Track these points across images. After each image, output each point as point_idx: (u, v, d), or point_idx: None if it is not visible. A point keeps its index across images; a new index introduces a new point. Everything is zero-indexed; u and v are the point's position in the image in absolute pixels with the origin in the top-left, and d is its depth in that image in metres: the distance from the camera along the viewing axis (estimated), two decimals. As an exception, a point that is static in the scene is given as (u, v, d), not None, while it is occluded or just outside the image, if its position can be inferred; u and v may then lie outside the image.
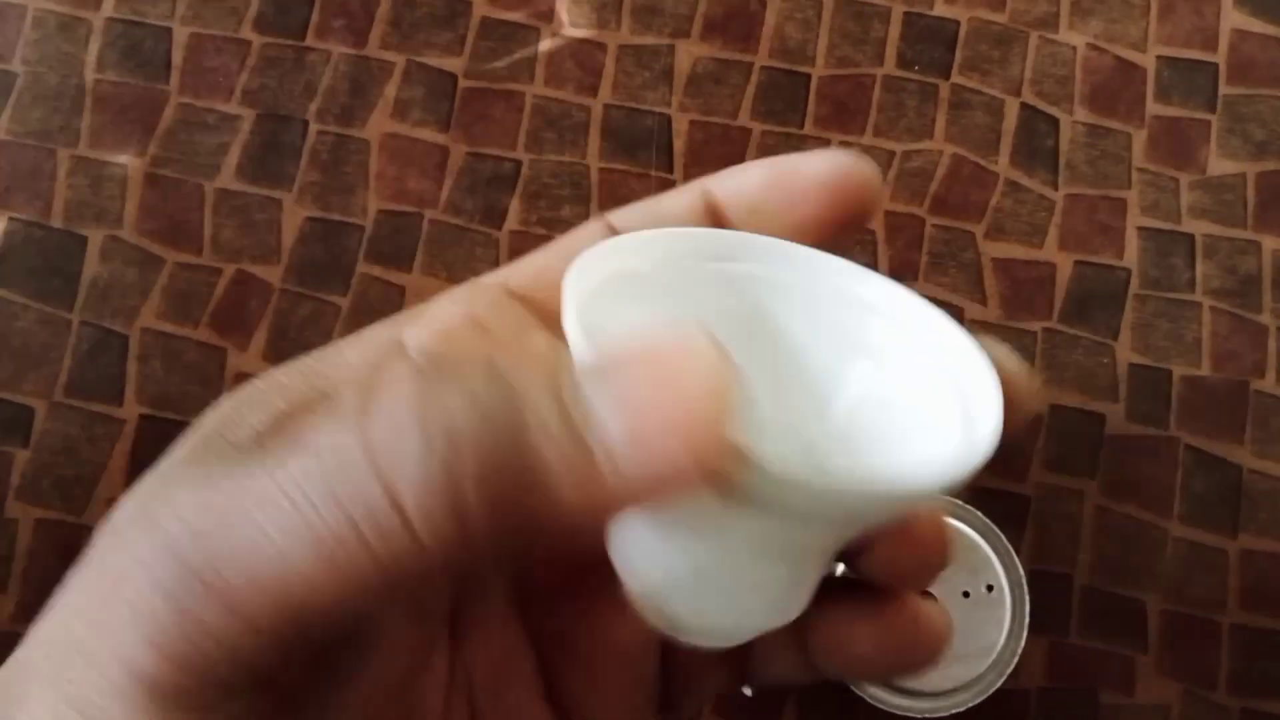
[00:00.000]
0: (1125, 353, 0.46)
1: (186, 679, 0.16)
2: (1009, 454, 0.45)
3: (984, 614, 0.43)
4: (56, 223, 0.45)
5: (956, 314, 0.46)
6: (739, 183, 0.25)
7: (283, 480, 0.16)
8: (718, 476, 0.15)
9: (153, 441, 0.44)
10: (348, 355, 0.21)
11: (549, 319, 0.21)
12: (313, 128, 0.47)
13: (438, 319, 0.21)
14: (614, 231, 0.24)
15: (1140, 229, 0.47)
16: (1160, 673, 0.44)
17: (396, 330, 0.21)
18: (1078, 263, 0.47)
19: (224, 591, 0.16)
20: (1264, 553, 0.45)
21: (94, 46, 0.47)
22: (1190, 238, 0.47)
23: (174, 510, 0.17)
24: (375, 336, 0.21)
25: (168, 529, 0.17)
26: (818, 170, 0.24)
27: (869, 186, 0.23)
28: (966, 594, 0.43)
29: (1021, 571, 0.43)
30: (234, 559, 0.16)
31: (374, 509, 0.15)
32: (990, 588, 0.43)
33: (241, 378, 0.44)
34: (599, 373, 0.15)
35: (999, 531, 0.43)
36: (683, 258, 0.23)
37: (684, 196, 0.25)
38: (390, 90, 0.47)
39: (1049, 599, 0.44)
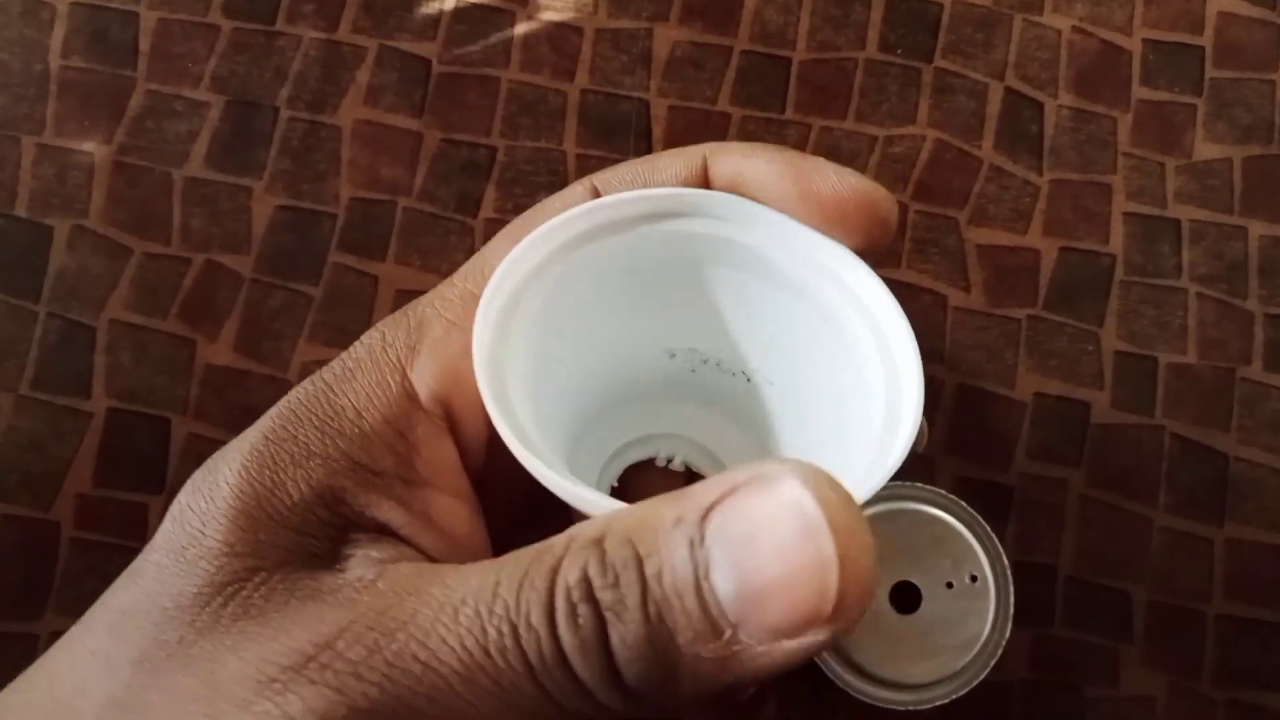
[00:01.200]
0: (1110, 340, 0.46)
1: None
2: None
3: (968, 605, 0.42)
4: (21, 212, 0.44)
5: (940, 301, 0.45)
6: (752, 166, 0.25)
7: None
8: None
9: (121, 435, 0.43)
10: None
11: None
12: (283, 114, 0.46)
13: None
14: (597, 193, 0.25)
15: (1126, 214, 0.47)
16: (1145, 664, 0.43)
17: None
18: (1062, 249, 0.46)
19: None
20: (1250, 542, 0.44)
21: (59, 31, 0.46)
22: (1176, 223, 0.47)
23: None
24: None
25: None
26: (842, 187, 0.24)
27: (890, 220, 0.23)
28: (950, 585, 0.42)
29: (1006, 562, 0.42)
30: None
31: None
32: (974, 578, 0.42)
33: (211, 370, 0.44)
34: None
35: (983, 521, 0.42)
36: (634, 221, 0.24)
37: (680, 161, 0.25)
38: (362, 76, 0.46)
39: (1033, 590, 0.43)
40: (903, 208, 0.46)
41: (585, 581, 0.16)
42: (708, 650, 0.16)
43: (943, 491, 0.43)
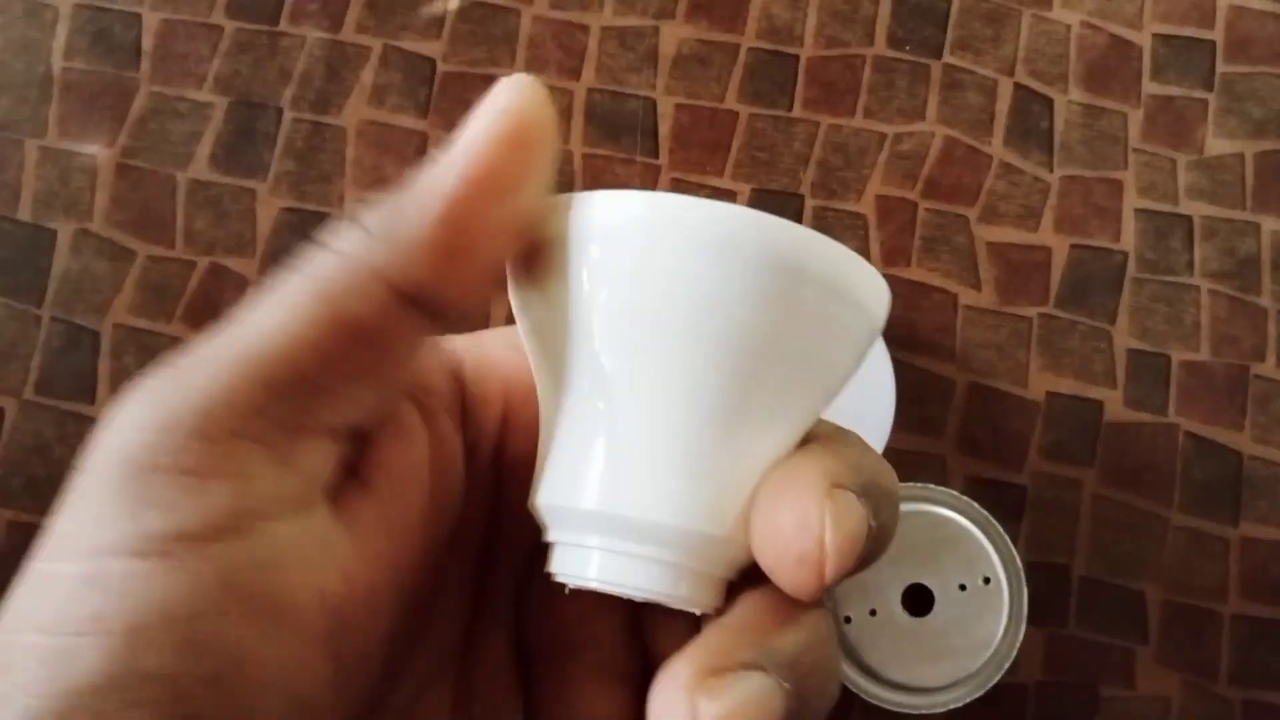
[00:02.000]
0: (1123, 338, 0.45)
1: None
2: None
3: (981, 606, 0.42)
4: (25, 215, 0.44)
5: (950, 299, 0.45)
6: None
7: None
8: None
9: (126, 439, 0.43)
10: None
11: None
12: (287, 115, 0.45)
13: None
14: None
15: (1137, 211, 0.46)
16: (1161, 664, 0.43)
17: None
18: (1073, 246, 0.46)
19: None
20: (1265, 541, 0.44)
21: (61, 32, 0.45)
22: (1188, 219, 0.46)
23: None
24: None
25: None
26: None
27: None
28: (963, 586, 0.42)
29: (1019, 563, 0.42)
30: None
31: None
32: (987, 580, 0.42)
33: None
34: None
35: (996, 522, 0.42)
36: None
37: None
38: (367, 75, 0.46)
39: (1047, 590, 0.43)
40: (911, 205, 0.46)
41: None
42: None
43: (954, 492, 0.42)
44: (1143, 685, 0.43)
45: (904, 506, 0.42)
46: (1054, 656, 0.43)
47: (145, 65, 0.45)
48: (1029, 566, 0.42)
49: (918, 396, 0.44)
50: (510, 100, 0.19)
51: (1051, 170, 0.46)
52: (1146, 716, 0.43)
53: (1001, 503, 0.43)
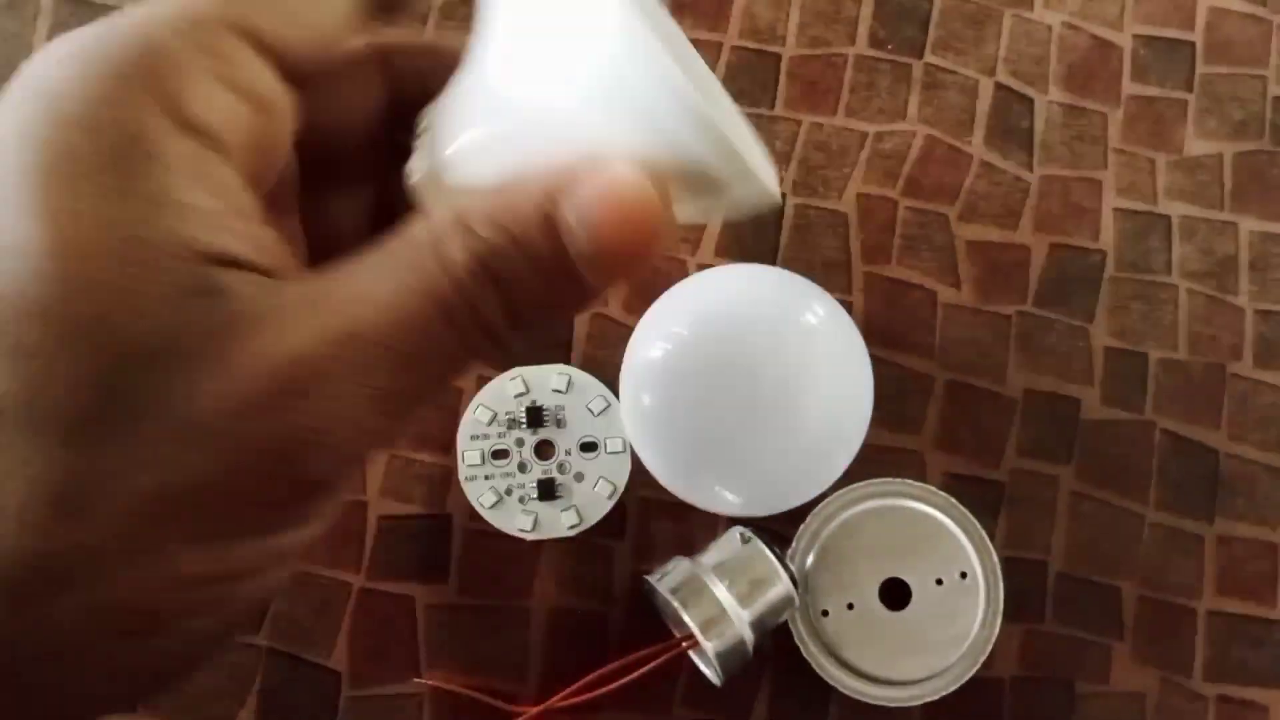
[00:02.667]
0: (1101, 336, 0.45)
1: None
2: (989, 439, 0.44)
3: (957, 601, 0.42)
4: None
5: (930, 298, 0.45)
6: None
7: None
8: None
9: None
10: None
11: None
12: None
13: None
14: None
15: (1117, 210, 0.46)
16: (1136, 660, 0.43)
17: None
18: (1053, 245, 0.46)
19: None
20: (1240, 539, 0.44)
21: (42, 26, 0.45)
22: (1167, 219, 0.47)
23: None
24: None
25: None
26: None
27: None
28: (940, 581, 0.42)
29: (996, 558, 0.42)
30: None
31: None
32: (964, 575, 0.42)
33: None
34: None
35: (973, 518, 0.42)
36: None
37: None
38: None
39: (1023, 586, 0.43)
40: (892, 204, 0.46)
41: (480, 260, 0.21)
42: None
43: (932, 488, 0.42)
44: (1118, 681, 0.43)
45: (882, 502, 0.42)
46: (1030, 652, 0.43)
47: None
48: (1006, 562, 0.42)
49: (896, 393, 0.44)
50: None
51: (1032, 170, 0.47)
52: (1122, 712, 0.43)
53: (979, 499, 0.44)
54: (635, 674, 0.37)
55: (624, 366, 0.43)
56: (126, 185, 0.19)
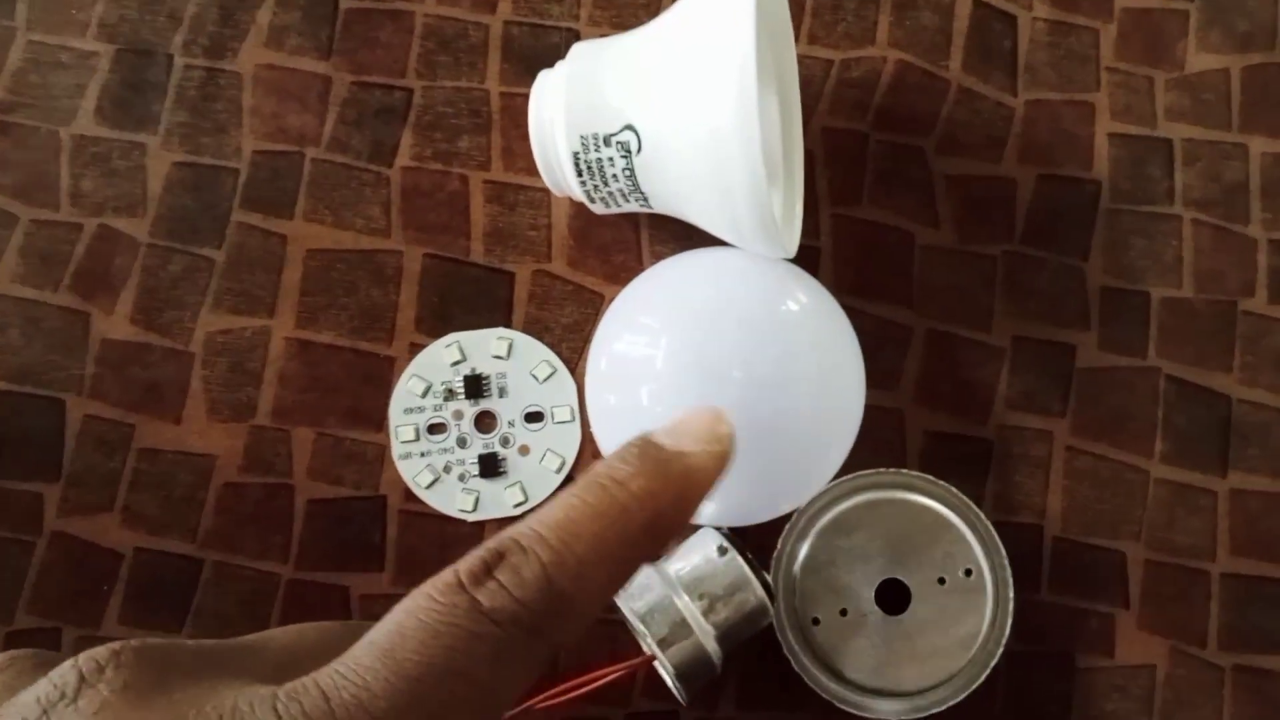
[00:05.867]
0: (1097, 275, 0.41)
1: None
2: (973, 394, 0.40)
3: (962, 601, 0.38)
4: (-104, 180, 0.41)
5: (906, 239, 0.41)
6: None
7: None
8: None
9: (12, 419, 0.39)
10: None
11: None
12: (178, 62, 0.42)
13: None
14: None
15: (1111, 136, 0.42)
16: (1144, 629, 0.39)
17: None
18: (1041, 177, 0.42)
19: None
20: (1256, 492, 0.40)
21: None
22: (1168, 144, 0.42)
23: None
24: None
25: None
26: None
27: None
28: (942, 580, 0.38)
29: (1004, 552, 0.38)
30: None
31: None
32: (969, 572, 0.38)
33: (108, 345, 0.40)
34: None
35: (976, 508, 0.38)
36: None
37: None
38: (263, 16, 0.42)
39: (1017, 553, 0.39)
40: (862, 138, 0.42)
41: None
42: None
43: (930, 477, 0.38)
44: (1124, 653, 0.39)
45: (874, 494, 0.38)
46: (1026, 625, 0.39)
47: (22, 11, 0.42)
48: (997, 526, 0.38)
49: (871, 346, 0.40)
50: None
51: (1016, 95, 0.42)
52: (1128, 688, 0.39)
53: (965, 459, 0.40)
54: (589, 688, 0.34)
55: (588, 365, 0.39)
56: None
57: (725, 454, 0.28)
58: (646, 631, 0.33)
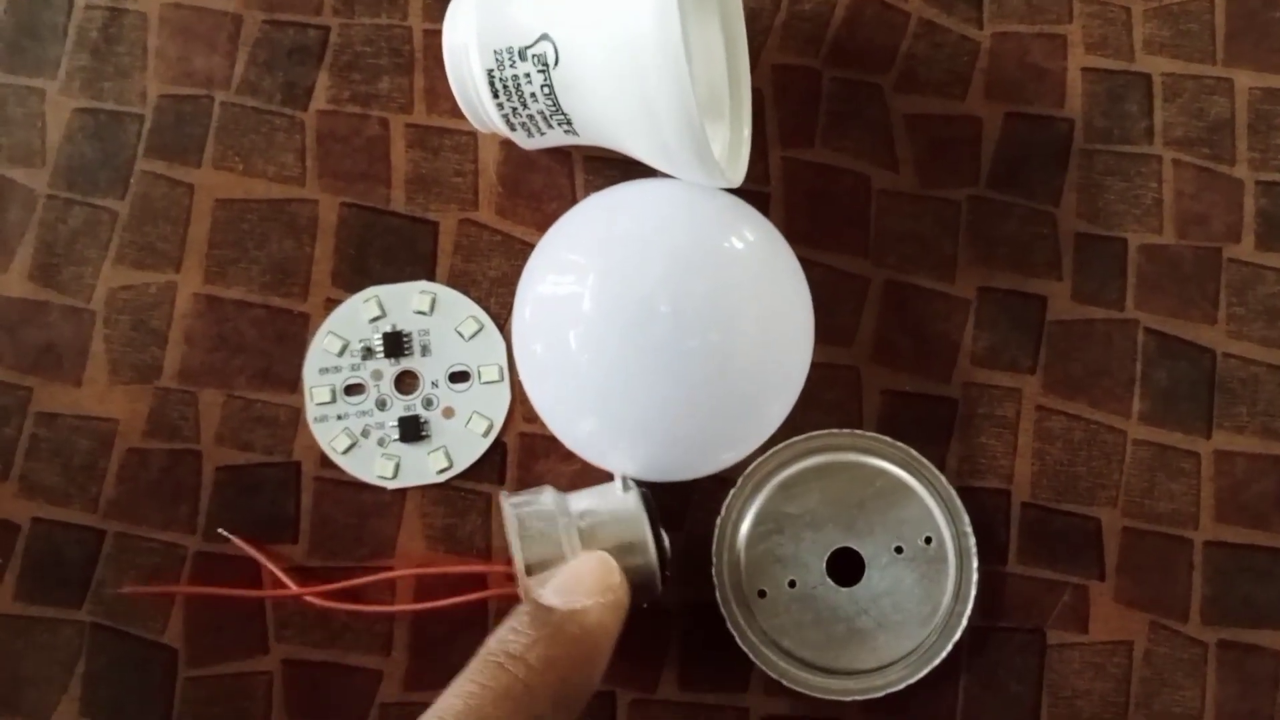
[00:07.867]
0: (1070, 220, 0.38)
1: None
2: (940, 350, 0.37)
3: (922, 572, 0.35)
4: None
5: (862, 183, 0.38)
6: None
7: None
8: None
9: (-100, 384, 0.37)
10: None
11: None
12: (79, 2, 0.39)
13: None
14: None
15: (1085, 70, 0.39)
16: (1120, 603, 0.36)
17: None
18: (1009, 115, 0.39)
19: None
20: (1243, 454, 0.37)
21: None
22: (1146, 78, 0.39)
23: None
24: None
25: None
26: None
27: None
28: (899, 549, 0.35)
29: (967, 519, 0.35)
30: None
31: None
32: (929, 540, 0.35)
33: (4, 303, 0.37)
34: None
35: (938, 473, 0.35)
36: None
37: None
38: (170, -49, 0.39)
39: (982, 521, 0.36)
40: (815, 75, 0.39)
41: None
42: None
43: (887, 439, 0.35)
44: (1099, 629, 0.36)
45: (827, 457, 0.36)
46: (992, 599, 0.36)
47: (-88, -50, 0.39)
48: (961, 492, 0.35)
49: (825, 299, 0.37)
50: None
51: (981, 27, 0.39)
52: (1104, 665, 0.36)
53: (927, 420, 0.37)
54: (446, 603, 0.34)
55: (514, 311, 0.35)
56: None
57: (621, 603, 0.27)
58: (519, 555, 0.31)
